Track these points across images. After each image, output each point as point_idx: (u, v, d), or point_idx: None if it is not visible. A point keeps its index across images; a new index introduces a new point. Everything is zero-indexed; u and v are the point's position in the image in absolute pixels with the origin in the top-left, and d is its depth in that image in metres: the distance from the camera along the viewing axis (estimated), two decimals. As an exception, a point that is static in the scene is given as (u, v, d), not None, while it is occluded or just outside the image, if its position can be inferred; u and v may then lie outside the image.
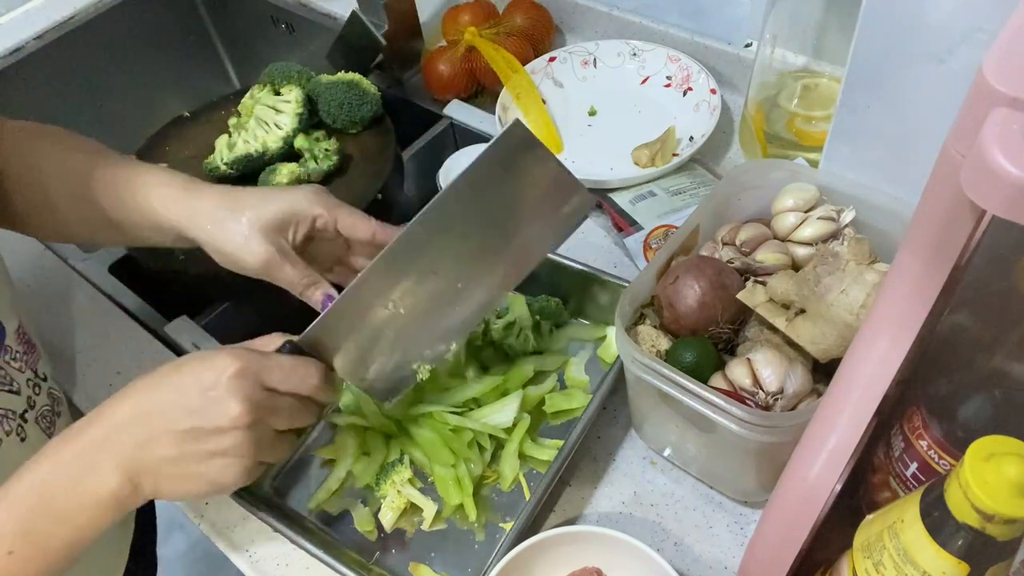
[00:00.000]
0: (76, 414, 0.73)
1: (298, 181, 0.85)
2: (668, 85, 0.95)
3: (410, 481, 0.65)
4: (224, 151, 0.89)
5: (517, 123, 0.57)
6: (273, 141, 0.87)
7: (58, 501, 0.49)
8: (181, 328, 0.80)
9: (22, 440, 0.60)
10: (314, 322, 0.56)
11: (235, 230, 0.60)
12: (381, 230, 0.62)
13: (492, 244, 0.59)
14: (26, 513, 0.48)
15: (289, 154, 0.88)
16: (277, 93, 0.91)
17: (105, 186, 0.63)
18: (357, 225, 0.62)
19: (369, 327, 0.58)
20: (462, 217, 0.57)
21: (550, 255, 0.75)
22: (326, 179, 0.86)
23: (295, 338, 0.56)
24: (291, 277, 0.61)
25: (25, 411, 0.61)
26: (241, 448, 0.51)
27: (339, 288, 0.62)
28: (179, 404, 0.50)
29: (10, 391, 0.59)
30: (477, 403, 0.69)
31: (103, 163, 0.64)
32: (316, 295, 0.61)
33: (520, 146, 0.57)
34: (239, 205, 0.61)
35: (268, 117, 0.88)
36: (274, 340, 0.56)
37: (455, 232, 0.58)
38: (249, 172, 0.88)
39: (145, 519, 0.91)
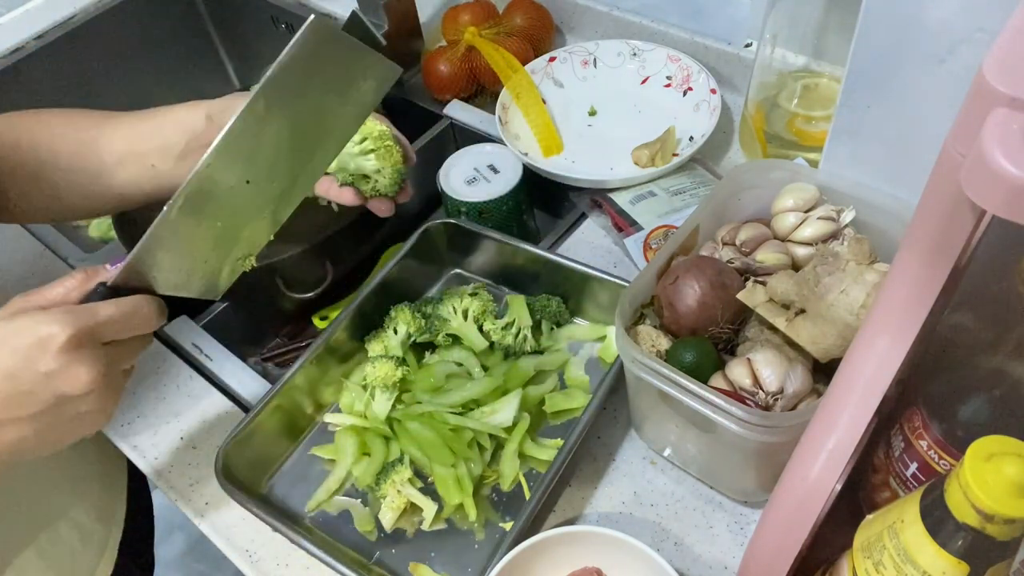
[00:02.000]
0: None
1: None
2: (668, 85, 0.95)
3: (410, 481, 0.65)
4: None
5: (315, 20, 0.53)
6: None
7: None
8: (181, 328, 0.80)
9: None
10: (126, 259, 0.52)
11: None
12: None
13: (303, 142, 0.58)
14: None
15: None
16: None
17: (93, 142, 0.64)
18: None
19: (186, 247, 0.55)
20: (269, 124, 0.55)
21: (549, 255, 0.75)
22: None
23: (108, 278, 0.53)
24: None
25: None
26: (100, 401, 0.49)
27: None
28: (17, 391, 0.47)
29: None
30: (477, 403, 0.69)
31: (96, 115, 0.66)
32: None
33: (321, 43, 0.54)
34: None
35: None
36: (74, 281, 0.52)
37: (264, 141, 0.55)
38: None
39: (143, 519, 0.91)
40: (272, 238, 0.60)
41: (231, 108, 0.62)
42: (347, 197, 0.67)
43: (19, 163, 0.64)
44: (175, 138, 0.64)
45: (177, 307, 0.82)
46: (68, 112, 0.68)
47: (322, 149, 0.60)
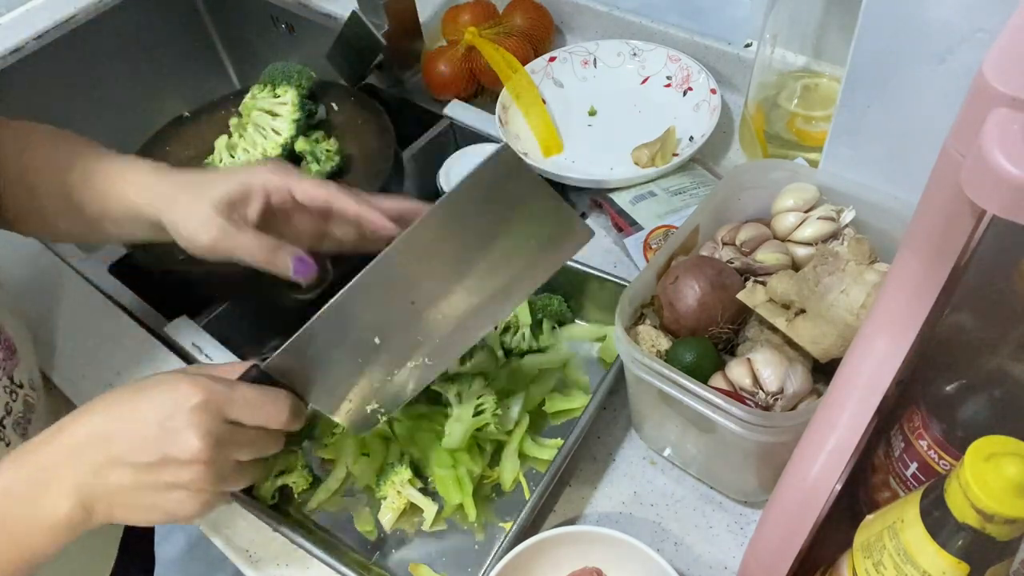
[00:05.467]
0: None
1: None
2: (668, 85, 0.95)
3: (410, 481, 0.65)
4: (224, 151, 0.89)
5: (506, 147, 0.52)
6: (272, 148, 0.87)
7: (9, 521, 0.47)
8: (181, 328, 0.80)
9: (6, 444, 0.60)
10: (281, 347, 0.53)
11: (190, 207, 0.60)
12: (336, 196, 0.61)
13: (474, 275, 0.55)
14: None
15: (291, 157, 0.88)
16: (275, 96, 0.90)
17: (87, 180, 0.63)
18: (310, 191, 0.61)
19: (341, 354, 0.54)
20: (442, 244, 0.53)
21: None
22: (327, 179, 0.86)
23: (262, 364, 0.53)
24: (250, 246, 0.59)
25: (3, 417, 0.61)
26: (199, 482, 0.48)
27: (315, 256, 0.61)
28: (137, 433, 0.48)
29: None
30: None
31: (87, 158, 0.64)
32: (282, 258, 0.60)
33: (508, 171, 0.52)
34: (193, 187, 0.61)
35: (265, 123, 0.88)
36: (241, 368, 0.53)
37: (434, 260, 0.54)
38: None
39: None
40: (425, 387, 0.58)
41: (171, 218, 0.60)
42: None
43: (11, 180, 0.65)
44: (142, 220, 0.63)
45: (177, 307, 0.82)
46: (56, 145, 0.66)
47: (497, 297, 0.56)
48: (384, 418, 0.58)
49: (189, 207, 0.60)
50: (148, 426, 0.47)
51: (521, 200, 0.54)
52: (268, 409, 0.51)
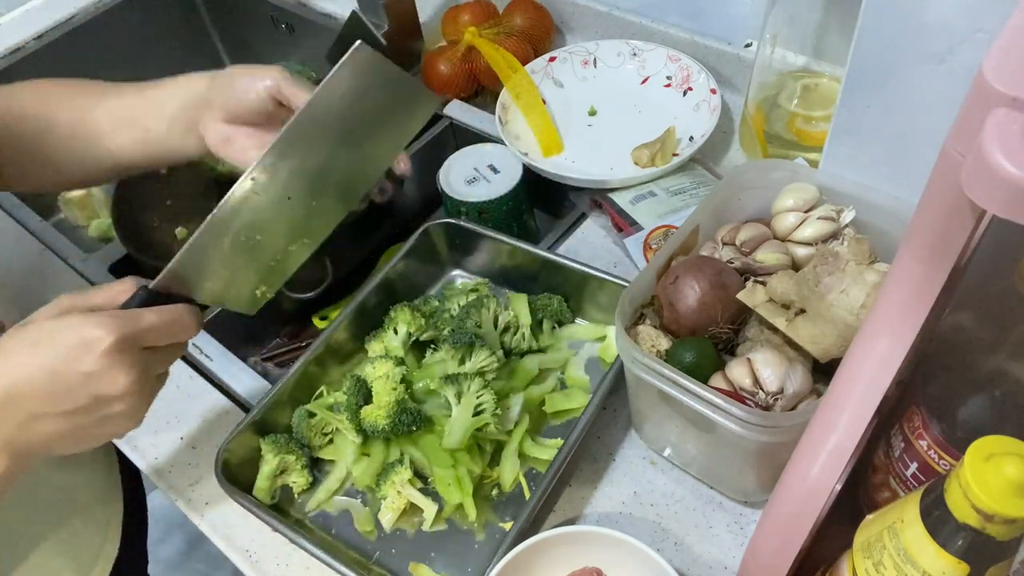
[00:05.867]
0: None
1: None
2: (668, 85, 0.95)
3: (410, 481, 0.65)
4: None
5: (359, 47, 0.56)
6: None
7: None
8: (181, 328, 0.80)
9: None
10: (170, 263, 0.54)
11: (247, 69, 0.64)
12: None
13: (343, 161, 0.60)
14: None
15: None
16: None
17: (91, 109, 0.66)
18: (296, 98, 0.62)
19: (227, 258, 0.57)
20: (310, 144, 0.57)
21: (549, 255, 0.75)
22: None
23: (150, 283, 0.54)
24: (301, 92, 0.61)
25: None
26: (134, 405, 0.51)
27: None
28: (56, 385, 0.48)
29: None
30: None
31: (101, 85, 0.68)
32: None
33: (365, 68, 0.57)
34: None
35: None
36: (123, 287, 0.54)
37: (306, 158, 0.58)
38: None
39: (135, 507, 0.91)
40: (305, 260, 0.62)
41: (231, 84, 0.63)
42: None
43: (18, 133, 0.66)
44: (169, 102, 0.66)
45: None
46: (69, 82, 0.70)
47: (361, 174, 0.62)
48: (271, 295, 0.62)
49: (246, 69, 0.63)
50: (67, 378, 0.48)
51: (379, 87, 0.59)
52: (174, 328, 0.53)
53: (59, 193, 1.14)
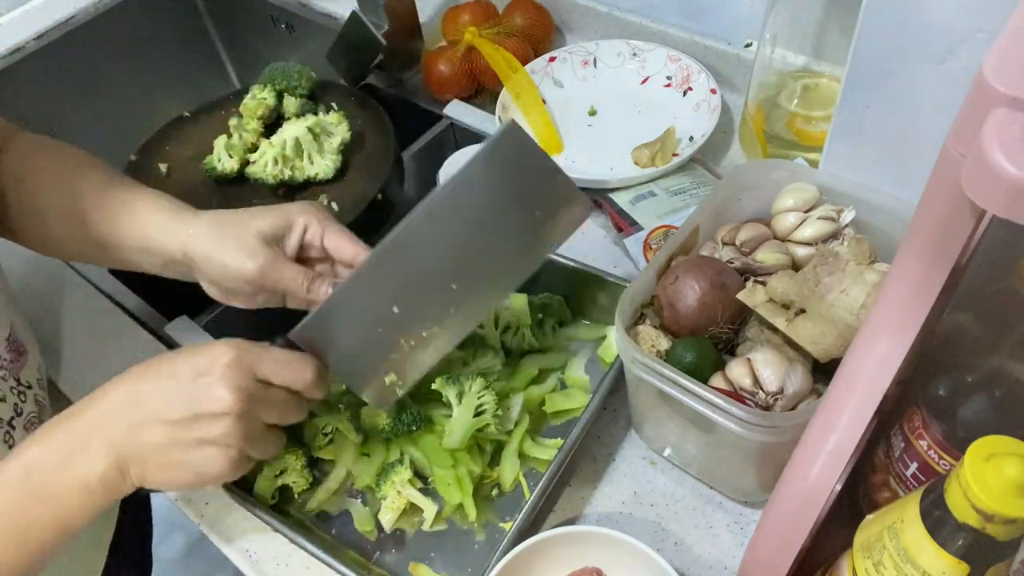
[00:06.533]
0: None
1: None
2: (668, 85, 0.95)
3: (410, 481, 0.65)
4: (223, 151, 0.89)
5: (512, 124, 0.56)
6: (323, 170, 0.86)
7: (46, 483, 0.48)
8: (181, 328, 0.80)
9: (10, 447, 0.60)
10: (307, 317, 0.56)
11: (235, 239, 0.60)
12: (365, 254, 0.61)
13: (486, 247, 0.59)
14: (13, 493, 0.48)
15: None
16: (315, 112, 0.89)
17: (99, 205, 0.63)
18: (342, 245, 0.62)
19: (363, 324, 0.57)
20: (455, 218, 0.57)
21: (550, 255, 0.75)
22: (324, 181, 0.86)
23: (289, 334, 0.56)
24: (294, 274, 0.60)
25: (12, 418, 0.61)
26: (229, 437, 0.50)
27: None
28: (171, 390, 0.50)
29: None
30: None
31: (99, 181, 0.64)
32: (323, 288, 0.61)
33: (515, 148, 0.57)
34: (235, 220, 0.61)
35: (311, 148, 0.86)
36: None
37: (449, 233, 0.57)
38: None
39: (141, 517, 0.91)
40: (436, 364, 0.60)
41: (212, 266, 0.61)
42: None
43: (16, 200, 0.65)
44: (156, 254, 0.63)
45: (177, 307, 0.82)
46: (72, 170, 0.66)
47: (506, 267, 0.59)
48: (401, 392, 0.60)
49: (235, 238, 0.60)
50: (181, 383, 0.50)
51: (526, 173, 0.58)
52: (295, 368, 0.53)
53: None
